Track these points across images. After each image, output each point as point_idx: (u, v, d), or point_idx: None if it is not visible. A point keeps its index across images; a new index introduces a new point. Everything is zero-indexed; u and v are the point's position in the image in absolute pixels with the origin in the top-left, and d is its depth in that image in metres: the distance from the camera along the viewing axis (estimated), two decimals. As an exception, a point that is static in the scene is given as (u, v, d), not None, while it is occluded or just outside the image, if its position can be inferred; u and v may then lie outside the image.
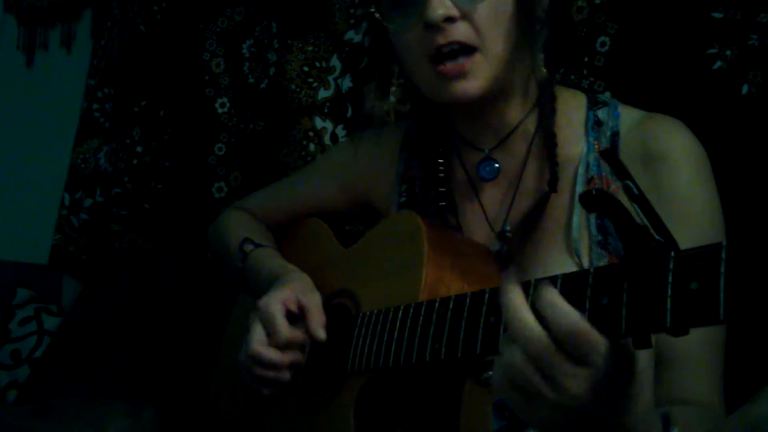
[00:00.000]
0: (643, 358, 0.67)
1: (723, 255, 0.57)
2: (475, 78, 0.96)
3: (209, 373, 1.38)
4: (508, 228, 1.04)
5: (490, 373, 0.84)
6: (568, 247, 0.97)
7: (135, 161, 2.21)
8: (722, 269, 0.56)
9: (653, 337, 0.64)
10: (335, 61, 1.94)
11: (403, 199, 1.18)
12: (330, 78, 1.95)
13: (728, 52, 1.39)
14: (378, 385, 0.95)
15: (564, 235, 0.98)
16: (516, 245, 1.02)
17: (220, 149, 2.09)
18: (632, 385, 0.66)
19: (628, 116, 1.03)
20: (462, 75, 0.95)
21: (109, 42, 2.31)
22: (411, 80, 1.05)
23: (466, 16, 0.95)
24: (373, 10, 1.02)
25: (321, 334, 1.03)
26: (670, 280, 0.60)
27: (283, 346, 1.03)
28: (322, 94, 1.95)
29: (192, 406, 1.55)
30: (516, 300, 0.68)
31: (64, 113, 2.38)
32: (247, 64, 2.08)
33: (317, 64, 1.97)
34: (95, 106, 2.29)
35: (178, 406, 1.63)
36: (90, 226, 2.25)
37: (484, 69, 0.96)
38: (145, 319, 1.91)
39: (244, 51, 2.09)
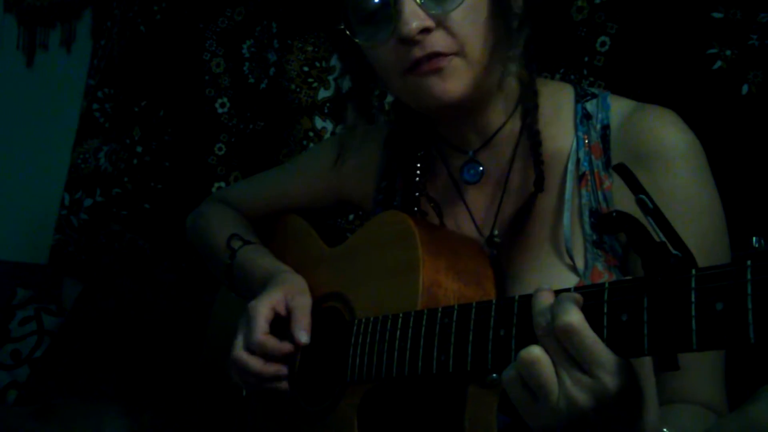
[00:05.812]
0: (647, 376, 0.66)
1: (749, 275, 0.54)
2: (455, 79, 0.92)
3: (193, 375, 1.36)
4: (496, 232, 1.01)
5: (495, 375, 0.83)
6: (558, 248, 0.94)
7: (135, 161, 2.21)
8: (749, 290, 0.54)
9: None
10: (335, 61, 1.94)
11: (381, 196, 1.16)
12: (330, 78, 1.95)
13: (728, 52, 1.39)
14: (380, 392, 0.93)
15: (554, 236, 0.95)
16: (505, 248, 0.99)
17: (220, 149, 2.09)
18: (639, 407, 0.66)
19: (618, 108, 0.98)
20: (438, 72, 0.92)
21: (110, 42, 2.31)
22: (389, 91, 1.02)
23: (440, 24, 0.91)
24: (342, 27, 0.97)
25: (303, 337, 1.00)
26: (693, 299, 0.58)
27: (260, 353, 1.01)
28: (322, 94, 1.95)
29: (190, 407, 1.55)
30: (544, 300, 0.69)
31: (64, 113, 2.39)
32: (247, 64, 2.08)
33: (317, 64, 1.96)
34: (95, 106, 2.29)
35: (176, 407, 1.63)
36: (90, 226, 2.25)
37: (464, 72, 0.93)
38: (145, 319, 1.91)
39: (244, 51, 2.09)
